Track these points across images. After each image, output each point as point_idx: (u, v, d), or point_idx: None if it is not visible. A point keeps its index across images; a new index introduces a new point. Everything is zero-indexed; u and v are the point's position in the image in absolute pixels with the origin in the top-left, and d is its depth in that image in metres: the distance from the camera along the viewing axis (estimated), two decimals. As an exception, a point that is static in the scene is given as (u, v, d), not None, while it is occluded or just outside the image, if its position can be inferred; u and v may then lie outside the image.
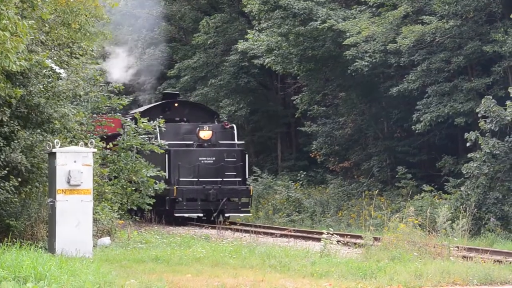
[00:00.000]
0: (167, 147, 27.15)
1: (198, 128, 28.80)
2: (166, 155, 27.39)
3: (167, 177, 26.69)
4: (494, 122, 23.86)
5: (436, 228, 16.20)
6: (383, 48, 29.19)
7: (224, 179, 28.24)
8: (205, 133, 28.60)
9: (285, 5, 31.19)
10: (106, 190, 18.92)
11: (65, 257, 13.20)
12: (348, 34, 29.86)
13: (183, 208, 27.48)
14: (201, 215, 28.50)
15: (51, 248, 14.62)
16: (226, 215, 28.41)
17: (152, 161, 25.57)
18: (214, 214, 27.96)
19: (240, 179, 28.62)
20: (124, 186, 20.18)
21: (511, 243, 21.08)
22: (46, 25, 16.54)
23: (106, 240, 16.80)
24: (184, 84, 42.86)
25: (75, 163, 14.56)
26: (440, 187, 27.87)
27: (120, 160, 20.50)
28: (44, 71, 15.97)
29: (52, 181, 14.88)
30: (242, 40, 35.76)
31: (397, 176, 29.99)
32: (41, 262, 11.77)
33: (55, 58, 16.75)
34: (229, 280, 11.97)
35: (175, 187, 27.46)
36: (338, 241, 16.25)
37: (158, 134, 27.24)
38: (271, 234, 23.32)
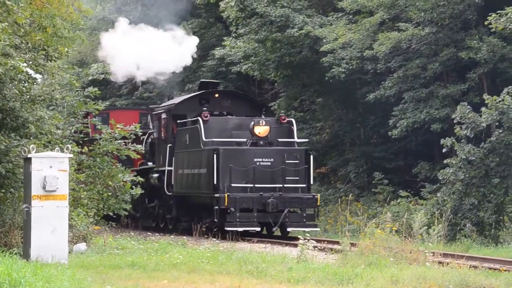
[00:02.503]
0: (212, 146, 23.04)
1: (253, 123, 23.37)
2: (214, 156, 22.68)
3: (214, 182, 22.61)
4: (469, 129, 23.93)
5: (412, 234, 16.21)
6: (359, 54, 29.26)
7: (285, 185, 22.98)
8: (262, 129, 23.35)
9: (262, 12, 31.19)
10: (82, 196, 18.78)
11: (40, 264, 13.07)
12: (325, 40, 29.90)
13: (236, 221, 22.20)
14: (258, 229, 23.04)
15: (26, 255, 14.47)
16: (289, 229, 23.05)
17: (196, 162, 23.35)
18: (274, 229, 23.13)
19: (303, 185, 23.26)
20: (100, 192, 20.05)
21: (487, 248, 21.13)
22: (22, 29, 16.39)
23: (81, 246, 16.66)
24: (161, 89, 42.70)
25: (50, 168, 14.43)
26: (417, 192, 27.93)
27: (96, 165, 20.37)
28: (19, 76, 15.82)
29: (27, 186, 14.74)
30: (219, 47, 35.74)
31: (373, 181, 30.03)
32: (16, 268, 11.62)
33: (30, 62, 16.61)
34: (206, 286, 11.92)
35: (226, 195, 22.29)
36: (314, 247, 16.21)
37: (203, 131, 23.34)
38: (248, 240, 23.24)
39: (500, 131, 24.18)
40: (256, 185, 22.69)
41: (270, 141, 23.44)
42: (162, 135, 26.18)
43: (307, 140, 25.55)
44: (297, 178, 23.13)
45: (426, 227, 16.06)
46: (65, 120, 19.93)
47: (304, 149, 23.90)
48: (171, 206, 25.84)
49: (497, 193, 23.92)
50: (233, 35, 34.76)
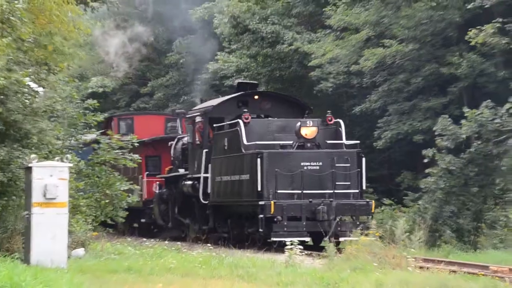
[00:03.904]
0: (255, 149, 20.08)
1: (299, 124, 20.56)
2: (258, 160, 19.88)
3: (259, 189, 19.88)
4: (450, 140, 24.02)
5: (395, 240, 16.22)
6: (346, 69, 29.38)
7: (336, 191, 20.04)
8: (309, 130, 20.46)
9: (254, 29, 31.32)
10: (81, 203, 18.77)
11: (40, 268, 13.04)
12: (313, 56, 30.03)
13: (283, 231, 19.37)
14: (307, 239, 19.84)
15: (26, 259, 14.43)
16: (341, 239, 19.57)
17: (236, 168, 20.93)
18: (325, 238, 19.55)
19: (356, 190, 20.36)
20: (98, 199, 20.04)
21: (466, 254, 21.15)
22: (26, 44, 16.40)
23: (80, 251, 16.62)
24: (157, 101, 42.76)
25: (51, 177, 14.41)
26: (400, 200, 27.98)
27: (94, 174, 20.36)
28: (22, 89, 15.83)
29: (28, 194, 14.72)
30: (213, 62, 35.84)
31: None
32: (17, 272, 11.61)
33: (33, 76, 16.61)
34: (198, 289, 11.90)
35: (272, 202, 19.50)
36: (301, 252, 16.18)
37: (244, 134, 20.79)
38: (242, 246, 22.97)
39: (479, 142, 24.28)
40: (305, 191, 19.87)
41: (317, 144, 20.65)
42: (197, 139, 23.70)
43: (358, 141, 22.49)
44: (349, 183, 20.33)
45: (408, 233, 16.06)
46: (65, 130, 19.91)
47: (356, 151, 20.88)
48: (207, 216, 23.10)
49: (476, 201, 24.02)
50: (226, 50, 34.87)
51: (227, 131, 21.99)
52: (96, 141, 21.63)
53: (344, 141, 21.12)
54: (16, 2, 15.62)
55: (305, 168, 20.00)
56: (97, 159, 20.78)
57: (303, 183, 19.86)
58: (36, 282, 11.30)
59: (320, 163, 20.17)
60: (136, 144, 22.18)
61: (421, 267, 15.25)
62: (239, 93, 23.62)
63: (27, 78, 16.25)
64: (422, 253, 16.64)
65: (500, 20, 24.31)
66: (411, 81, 28.41)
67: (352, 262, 15.01)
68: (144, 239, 25.41)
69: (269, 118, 22.31)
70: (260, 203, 19.69)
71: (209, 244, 21.29)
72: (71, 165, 15.56)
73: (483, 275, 14.96)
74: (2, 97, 15.30)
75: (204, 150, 22.85)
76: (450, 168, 23.97)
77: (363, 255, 15.42)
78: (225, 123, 22.42)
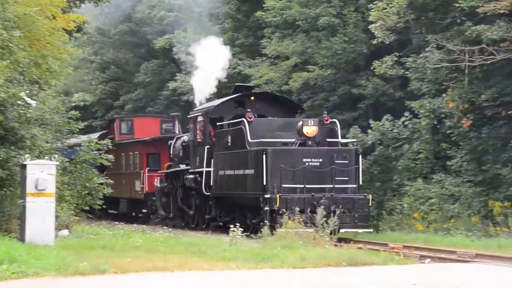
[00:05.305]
0: (260, 146, 18.34)
1: (301, 123, 18.88)
2: (264, 156, 18.05)
3: (264, 183, 18.01)
4: (359, 145, 24.32)
5: (316, 224, 16.35)
6: (279, 89, 29.52)
7: (335, 186, 18.37)
8: (310, 129, 18.71)
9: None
10: (65, 194, 18.57)
11: (33, 245, 12.91)
12: (252, 77, 30.16)
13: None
14: (310, 230, 16.62)
15: (22, 238, 14.26)
16: (342, 230, 18.01)
17: (240, 163, 19.02)
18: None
19: (354, 185, 18.66)
20: (80, 191, 19.83)
21: (370, 235, 21.39)
22: (21, 65, 16.20)
23: (65, 232, 16.47)
24: (127, 112, 42.40)
25: (41, 173, 14.26)
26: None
27: (76, 170, 20.15)
28: (18, 101, 15.64)
29: (23, 186, 14.56)
30: (172, 81, 35.79)
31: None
32: (14, 248, 11.53)
33: (27, 91, 16.42)
34: (160, 263, 11.89)
35: (278, 196, 17.74)
36: (243, 234, 16.24)
37: (248, 132, 18.88)
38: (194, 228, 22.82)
39: (381, 147, 24.67)
40: (307, 186, 18.10)
41: (317, 142, 18.99)
42: (199, 137, 21.83)
43: (354, 140, 20.74)
44: (347, 178, 18.58)
45: (325, 218, 16.18)
46: (53, 136, 19.68)
47: (354, 149, 19.37)
48: (209, 207, 21.31)
49: (378, 193, 24.36)
50: (183, 72, 34.81)
51: (231, 129, 20.23)
52: (78, 144, 21.40)
53: (340, 139, 19.66)
54: (13, 32, 15.44)
55: (307, 164, 18.28)
56: (79, 158, 20.59)
57: (305, 178, 18.17)
58: (29, 256, 11.23)
59: (320, 160, 18.47)
60: (111, 147, 21.93)
61: (335, 245, 15.41)
62: (237, 94, 21.82)
63: (22, 93, 16.04)
64: (336, 235, 16.77)
65: (397, 54, 24.86)
66: (329, 99, 28.73)
67: (282, 241, 15.06)
68: (116, 222, 25.00)
69: (270, 118, 20.41)
70: (266, 196, 17.94)
71: (165, 227, 20.96)
72: (57, 163, 15.45)
73: (383, 250, 15.21)
74: (2, 108, 15.09)
75: (206, 147, 21.11)
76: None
77: (291, 236, 15.50)
78: (226, 122, 20.76)
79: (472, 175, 22.62)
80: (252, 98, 21.46)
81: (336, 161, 18.44)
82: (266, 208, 17.84)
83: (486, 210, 21.29)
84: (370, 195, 19.15)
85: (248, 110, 19.76)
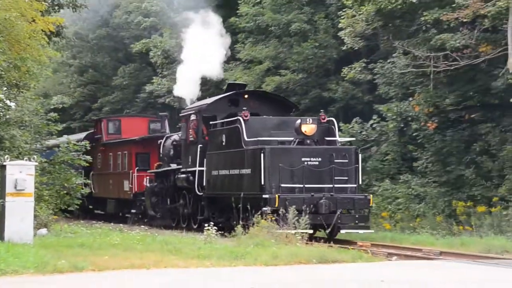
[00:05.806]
0: (257, 145, 17.11)
1: (300, 121, 17.60)
2: (262, 155, 16.80)
3: (262, 183, 16.84)
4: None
5: (288, 223, 16.37)
6: (252, 92, 29.55)
7: (335, 186, 17.13)
8: (309, 127, 17.44)
9: (181, 59, 31.22)
10: (44, 194, 18.41)
11: (12, 244, 12.78)
12: (227, 81, 30.10)
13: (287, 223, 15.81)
14: (310, 231, 15.97)
15: (1, 237, 14.10)
16: (342, 231, 17.16)
17: (236, 162, 17.82)
18: (327, 231, 17.22)
19: (353, 185, 17.41)
20: (58, 191, 19.67)
21: (340, 234, 21.46)
22: (1, 68, 16.04)
23: (43, 231, 16.32)
24: (105, 114, 42.13)
25: (20, 173, 14.11)
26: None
27: (55, 171, 19.99)
28: (-3, 103, 15.51)
29: (3, 186, 14.39)
30: (149, 84, 35.64)
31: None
32: (-7, 247, 11.39)
33: (6, 93, 16.26)
34: (137, 260, 11.85)
35: (277, 196, 16.55)
36: (217, 232, 16.20)
37: (244, 131, 17.64)
38: (170, 227, 22.72)
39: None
40: (306, 186, 16.91)
41: (315, 140, 17.69)
42: (191, 136, 20.48)
43: (353, 138, 19.59)
44: (346, 178, 17.32)
45: (297, 217, 16.20)
46: (32, 137, 19.51)
47: (354, 148, 17.97)
48: (202, 207, 20.02)
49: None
50: (159, 75, 34.70)
51: (225, 128, 18.97)
52: (57, 145, 21.22)
53: (338, 138, 18.32)
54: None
55: (306, 163, 17.05)
56: (57, 159, 20.42)
57: (304, 177, 16.95)
58: (8, 254, 11.10)
59: (319, 159, 17.21)
60: (89, 148, 21.75)
61: (306, 243, 15.45)
62: (230, 93, 20.47)
63: (1, 95, 15.88)
64: (307, 233, 16.78)
65: (365, 60, 25.04)
66: (301, 102, 28.82)
67: (255, 240, 15.05)
68: (93, 221, 24.90)
69: (265, 116, 19.06)
70: (264, 196, 16.74)
71: (143, 226, 20.53)
72: (36, 163, 15.27)
73: (352, 248, 15.29)
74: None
75: (199, 146, 19.84)
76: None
77: (263, 234, 15.51)
78: (219, 120, 19.56)
79: (437, 176, 22.86)
80: (246, 96, 20.27)
81: (335, 160, 17.27)
82: (265, 208, 16.63)
83: (450, 210, 21.52)
84: (371, 195, 18.13)
85: (244, 108, 18.41)
